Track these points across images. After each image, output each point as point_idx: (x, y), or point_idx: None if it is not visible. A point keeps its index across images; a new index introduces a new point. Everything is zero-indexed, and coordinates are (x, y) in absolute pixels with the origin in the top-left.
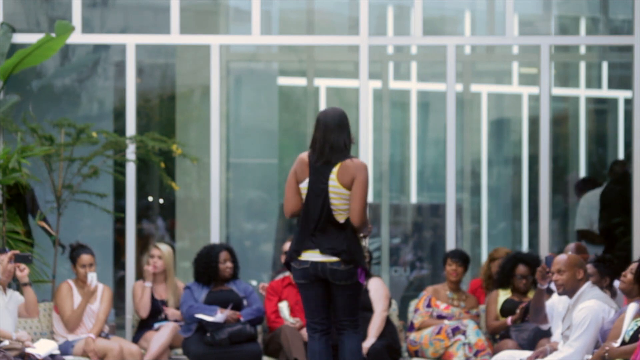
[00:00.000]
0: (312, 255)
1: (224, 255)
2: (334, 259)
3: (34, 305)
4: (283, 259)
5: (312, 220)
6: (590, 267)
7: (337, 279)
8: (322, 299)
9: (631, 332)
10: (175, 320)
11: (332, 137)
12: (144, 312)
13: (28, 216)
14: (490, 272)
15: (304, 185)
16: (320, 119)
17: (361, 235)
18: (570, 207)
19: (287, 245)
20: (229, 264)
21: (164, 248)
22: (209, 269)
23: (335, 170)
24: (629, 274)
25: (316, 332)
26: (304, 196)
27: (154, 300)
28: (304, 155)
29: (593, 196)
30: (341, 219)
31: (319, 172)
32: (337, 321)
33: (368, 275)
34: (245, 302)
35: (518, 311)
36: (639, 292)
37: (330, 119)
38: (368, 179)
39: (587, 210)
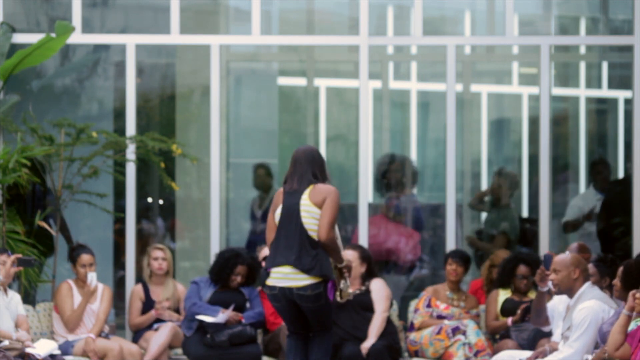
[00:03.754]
0: (279, 281)
1: (240, 269)
2: (301, 284)
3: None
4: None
5: (285, 238)
6: (590, 267)
7: (304, 302)
8: (297, 317)
9: None
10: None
11: (302, 169)
12: (136, 329)
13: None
14: (491, 277)
15: (278, 212)
16: (293, 156)
17: (342, 266)
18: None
19: (264, 252)
20: (239, 278)
21: (167, 249)
22: (221, 274)
23: (307, 191)
24: (618, 282)
25: (294, 333)
26: (277, 221)
27: (151, 301)
28: (280, 190)
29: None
30: (314, 237)
31: (291, 196)
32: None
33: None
34: (248, 305)
35: (519, 312)
36: None
37: (302, 154)
38: (338, 202)
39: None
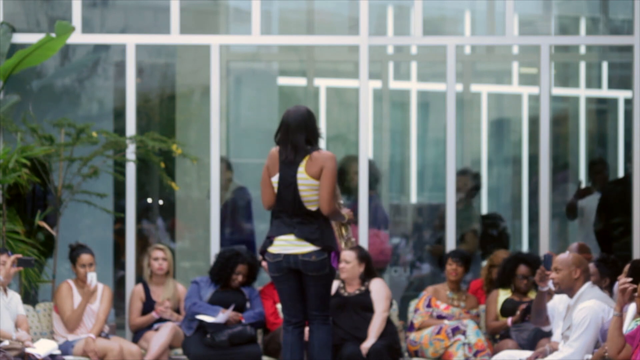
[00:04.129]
0: (284, 248)
1: (240, 267)
2: (306, 250)
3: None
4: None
5: (287, 209)
6: (591, 267)
7: (309, 270)
8: (296, 293)
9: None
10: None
11: (294, 137)
12: (136, 329)
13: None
14: (491, 277)
15: (275, 180)
16: (284, 120)
17: (344, 222)
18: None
19: None
20: (240, 277)
21: (167, 249)
22: (222, 273)
23: (303, 163)
24: (622, 279)
25: (290, 324)
26: (276, 189)
27: (151, 301)
28: (275, 150)
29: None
30: (313, 208)
31: (287, 167)
32: (309, 312)
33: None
34: (248, 305)
35: (519, 312)
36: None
37: (292, 120)
38: (336, 169)
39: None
